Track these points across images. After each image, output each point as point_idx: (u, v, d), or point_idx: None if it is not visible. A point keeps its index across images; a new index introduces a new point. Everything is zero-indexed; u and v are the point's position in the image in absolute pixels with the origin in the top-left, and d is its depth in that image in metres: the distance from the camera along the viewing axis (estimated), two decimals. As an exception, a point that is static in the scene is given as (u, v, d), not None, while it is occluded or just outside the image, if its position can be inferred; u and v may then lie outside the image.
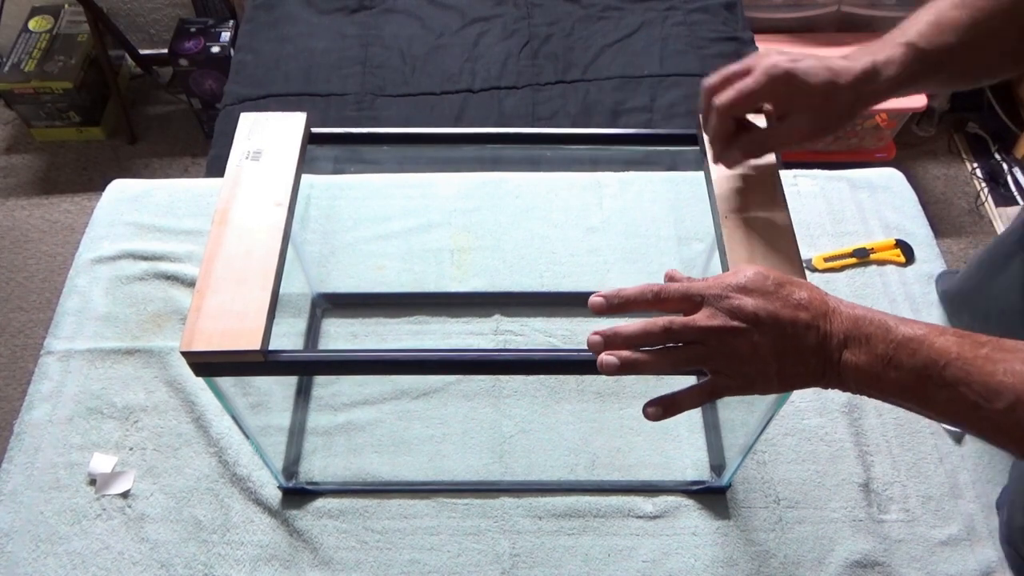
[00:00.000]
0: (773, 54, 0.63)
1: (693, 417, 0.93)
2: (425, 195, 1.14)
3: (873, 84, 0.62)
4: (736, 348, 0.52)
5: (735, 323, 0.52)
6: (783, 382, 0.54)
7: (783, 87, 0.61)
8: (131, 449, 0.90)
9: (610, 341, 0.54)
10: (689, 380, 0.95)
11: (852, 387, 0.54)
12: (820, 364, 0.53)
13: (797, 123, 0.63)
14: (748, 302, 0.52)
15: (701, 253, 1.03)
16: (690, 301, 0.54)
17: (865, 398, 0.93)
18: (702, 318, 0.53)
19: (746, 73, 0.63)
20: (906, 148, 2.02)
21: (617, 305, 0.55)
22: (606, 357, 0.54)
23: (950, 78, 0.65)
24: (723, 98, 0.63)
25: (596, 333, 0.55)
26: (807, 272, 1.02)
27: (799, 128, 0.63)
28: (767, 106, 0.67)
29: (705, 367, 0.55)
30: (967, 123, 2.08)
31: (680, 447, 0.91)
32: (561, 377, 0.96)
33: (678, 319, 0.54)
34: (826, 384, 0.54)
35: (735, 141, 0.65)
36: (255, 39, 1.59)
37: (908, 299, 1.02)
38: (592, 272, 1.05)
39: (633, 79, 1.51)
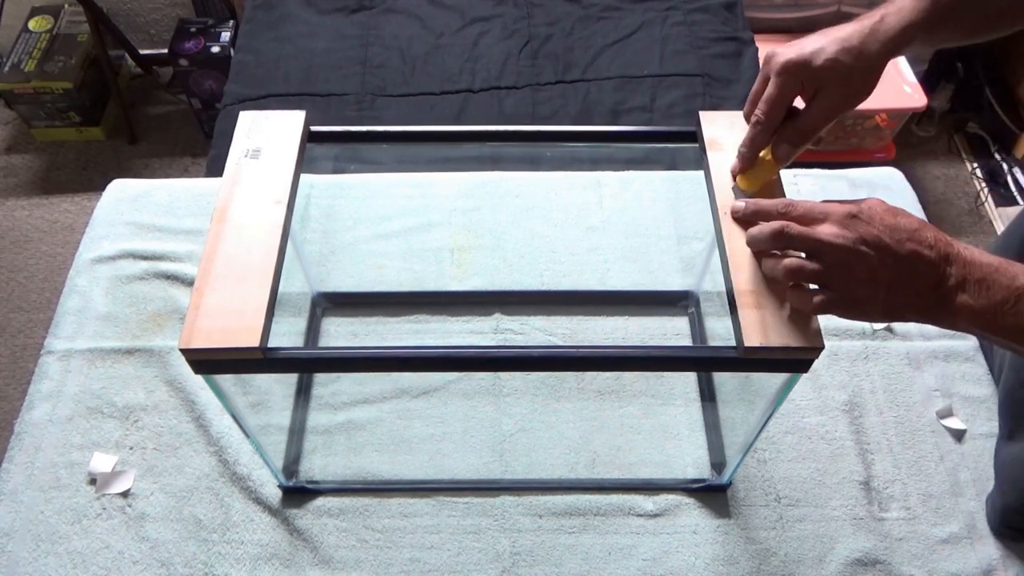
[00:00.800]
0: (778, 52, 0.63)
1: (694, 415, 0.93)
2: (425, 194, 1.14)
3: (886, 35, 0.63)
4: (853, 269, 0.54)
5: (861, 248, 0.54)
6: (888, 313, 0.56)
7: (802, 77, 0.62)
8: (131, 448, 0.90)
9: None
10: (688, 379, 0.96)
11: (963, 327, 0.56)
12: (934, 302, 0.55)
13: (825, 98, 0.63)
14: (874, 230, 0.55)
15: (701, 252, 1.03)
16: (814, 216, 0.57)
17: (865, 398, 0.93)
18: (827, 233, 0.55)
19: (764, 84, 0.64)
20: (906, 148, 2.01)
21: (752, 213, 0.62)
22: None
23: (962, 28, 0.66)
24: (756, 117, 0.65)
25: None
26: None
27: (829, 103, 0.64)
28: (798, 101, 0.67)
29: (818, 282, 0.57)
30: (967, 123, 2.07)
31: (680, 445, 0.91)
32: (561, 375, 0.96)
33: (805, 229, 0.56)
34: (934, 321, 0.56)
35: (781, 133, 0.66)
36: (255, 39, 1.59)
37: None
38: (592, 271, 1.05)
39: (633, 79, 1.51)
